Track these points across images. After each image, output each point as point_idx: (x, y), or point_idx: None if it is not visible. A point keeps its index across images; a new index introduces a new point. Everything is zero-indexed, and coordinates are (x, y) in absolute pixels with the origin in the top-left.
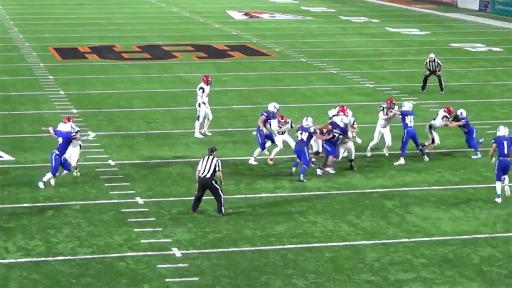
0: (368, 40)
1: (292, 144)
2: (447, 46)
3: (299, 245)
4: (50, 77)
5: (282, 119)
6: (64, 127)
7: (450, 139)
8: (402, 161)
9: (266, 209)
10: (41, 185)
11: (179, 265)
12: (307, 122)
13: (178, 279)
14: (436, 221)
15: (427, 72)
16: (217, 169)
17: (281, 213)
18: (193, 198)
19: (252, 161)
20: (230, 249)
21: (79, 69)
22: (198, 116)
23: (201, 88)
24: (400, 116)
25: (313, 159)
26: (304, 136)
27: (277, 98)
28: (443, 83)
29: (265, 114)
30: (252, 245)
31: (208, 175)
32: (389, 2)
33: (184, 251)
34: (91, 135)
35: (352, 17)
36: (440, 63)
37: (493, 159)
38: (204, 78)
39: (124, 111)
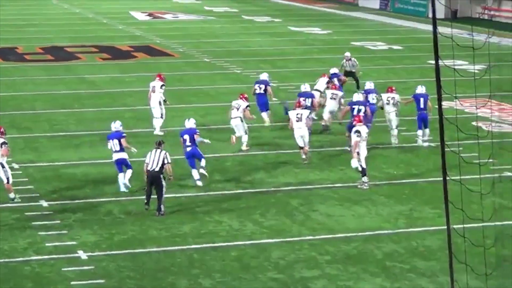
0: (271, 40)
1: None
2: (349, 45)
3: (204, 245)
4: None
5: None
6: None
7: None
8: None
9: (171, 209)
10: None
11: (85, 267)
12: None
13: (84, 282)
14: (339, 218)
15: (343, 71)
16: (165, 162)
17: (187, 213)
18: (145, 192)
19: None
20: (136, 250)
21: None
22: (162, 114)
23: (163, 85)
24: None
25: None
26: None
27: (181, 98)
28: (359, 82)
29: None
30: (158, 246)
31: (157, 169)
32: (292, 2)
33: (90, 254)
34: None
35: (255, 17)
36: (356, 62)
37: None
38: (162, 76)
39: (27, 113)
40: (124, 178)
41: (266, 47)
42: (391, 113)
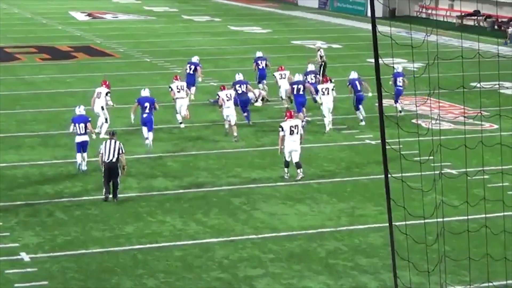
0: (211, 39)
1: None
2: (289, 44)
3: (148, 245)
4: None
5: None
6: None
7: None
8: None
9: (114, 209)
10: None
11: (28, 269)
12: None
13: (27, 284)
14: (282, 216)
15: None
16: (121, 152)
17: (130, 213)
18: (103, 184)
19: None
20: (79, 252)
21: None
22: (106, 119)
23: (108, 92)
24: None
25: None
26: None
27: (123, 99)
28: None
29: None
30: (101, 247)
31: (114, 159)
32: (231, 1)
33: (33, 255)
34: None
35: (195, 16)
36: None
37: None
38: (108, 83)
39: None
40: (83, 160)
41: (207, 47)
42: (328, 102)
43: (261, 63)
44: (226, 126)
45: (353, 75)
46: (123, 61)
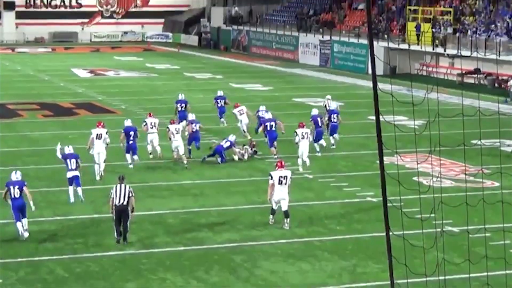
0: (213, 96)
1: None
2: (290, 101)
3: None
4: None
5: None
6: None
7: (294, 192)
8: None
9: (115, 266)
10: None
11: None
12: None
13: None
14: (284, 274)
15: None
16: (131, 195)
17: (131, 270)
18: (114, 228)
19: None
20: None
21: None
22: (105, 159)
23: (107, 132)
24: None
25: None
26: None
27: (122, 155)
28: None
29: None
30: None
31: (125, 203)
32: (232, 59)
33: None
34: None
35: (197, 74)
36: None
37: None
38: (103, 123)
39: None
40: (77, 192)
41: (208, 104)
42: (304, 146)
43: (220, 101)
44: (175, 156)
45: (314, 111)
46: (124, 118)
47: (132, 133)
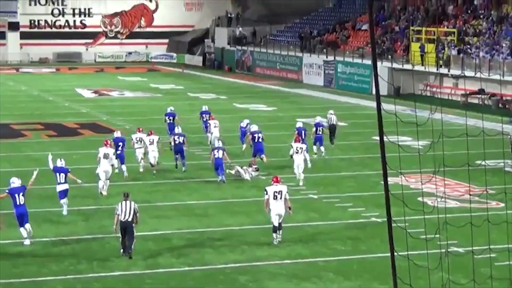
0: (217, 116)
1: None
2: (294, 121)
3: None
4: None
5: None
6: None
7: (299, 212)
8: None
9: (120, 287)
10: None
11: None
12: None
13: None
14: None
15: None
16: (136, 211)
17: None
18: (120, 243)
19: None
20: None
21: None
22: (109, 178)
23: (114, 152)
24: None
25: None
26: None
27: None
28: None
29: None
30: None
31: (130, 219)
32: (236, 79)
33: None
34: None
35: (201, 94)
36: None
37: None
38: (110, 142)
39: None
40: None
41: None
42: (300, 160)
43: (205, 116)
44: (152, 162)
45: (299, 124)
46: (129, 137)
47: (121, 143)
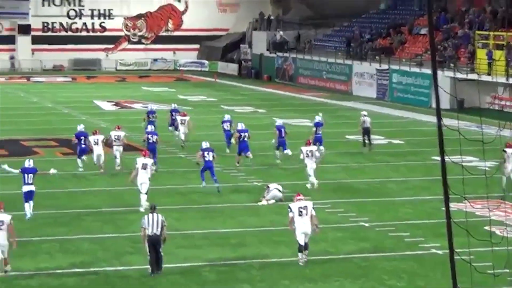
0: (255, 133)
1: None
2: (343, 139)
3: None
4: None
5: None
6: None
7: (348, 242)
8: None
9: None
10: None
11: None
12: None
13: None
14: None
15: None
16: (164, 224)
17: None
18: (149, 260)
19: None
20: None
21: None
22: (147, 191)
23: (153, 162)
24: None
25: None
26: None
27: (152, 199)
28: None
29: None
30: None
31: (158, 232)
32: (276, 90)
33: None
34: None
35: (236, 107)
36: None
37: (273, 140)
38: (148, 153)
39: None
40: (30, 208)
41: (255, 141)
42: (311, 163)
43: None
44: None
45: (279, 122)
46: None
47: (83, 137)
